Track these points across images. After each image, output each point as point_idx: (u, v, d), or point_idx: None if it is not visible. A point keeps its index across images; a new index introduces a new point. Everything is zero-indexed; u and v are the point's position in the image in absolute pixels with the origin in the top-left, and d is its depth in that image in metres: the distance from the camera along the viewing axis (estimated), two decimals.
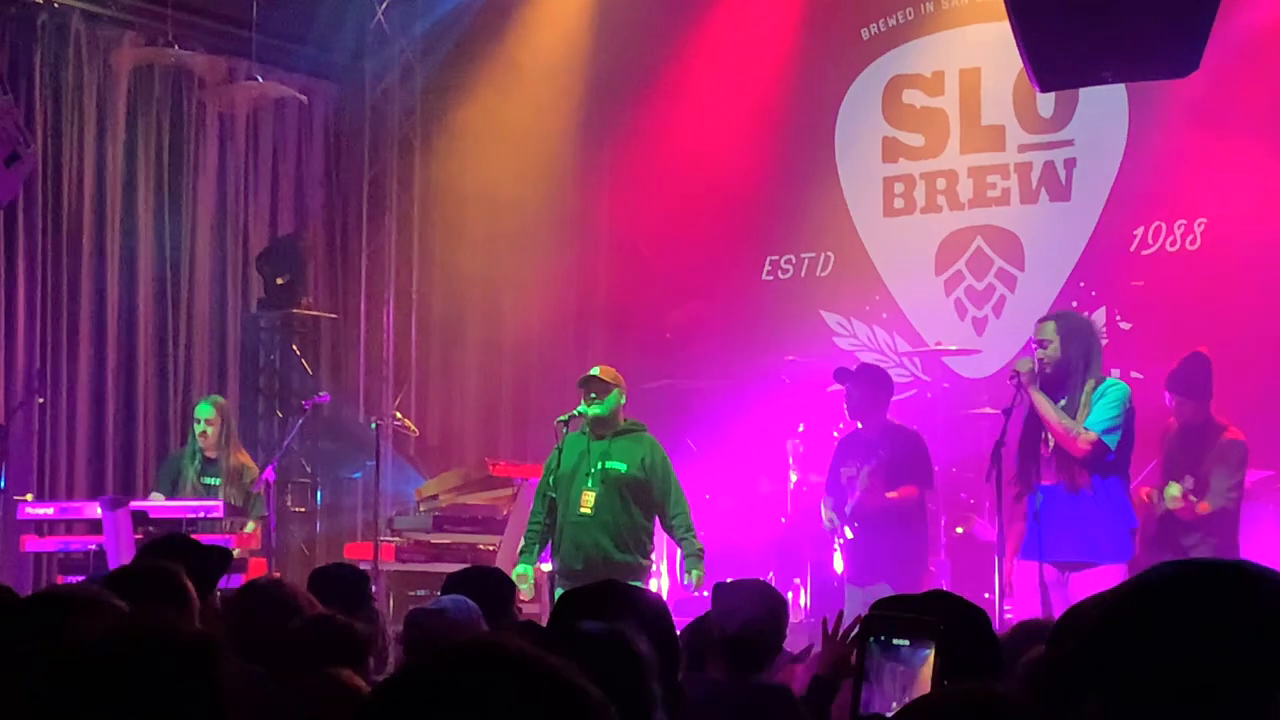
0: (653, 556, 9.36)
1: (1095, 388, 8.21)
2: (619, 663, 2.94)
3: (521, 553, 9.14)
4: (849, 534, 9.24)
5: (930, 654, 2.73)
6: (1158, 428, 9.04)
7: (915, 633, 2.77)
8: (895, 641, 2.76)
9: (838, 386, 9.45)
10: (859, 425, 9.44)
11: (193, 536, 6.40)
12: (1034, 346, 8.35)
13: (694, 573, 8.90)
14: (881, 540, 8.98)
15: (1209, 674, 1.84)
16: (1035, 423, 8.25)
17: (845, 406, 9.42)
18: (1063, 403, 8.18)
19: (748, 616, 5.12)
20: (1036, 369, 8.24)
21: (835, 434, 10.88)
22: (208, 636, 2.08)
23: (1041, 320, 8.57)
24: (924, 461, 9.20)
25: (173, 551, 4.92)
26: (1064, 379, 8.22)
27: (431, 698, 1.69)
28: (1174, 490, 8.66)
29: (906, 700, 2.66)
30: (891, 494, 8.98)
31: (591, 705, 1.72)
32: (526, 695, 1.68)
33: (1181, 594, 1.91)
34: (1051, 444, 8.20)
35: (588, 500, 8.91)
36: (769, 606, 5.31)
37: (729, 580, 6.12)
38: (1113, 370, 10.68)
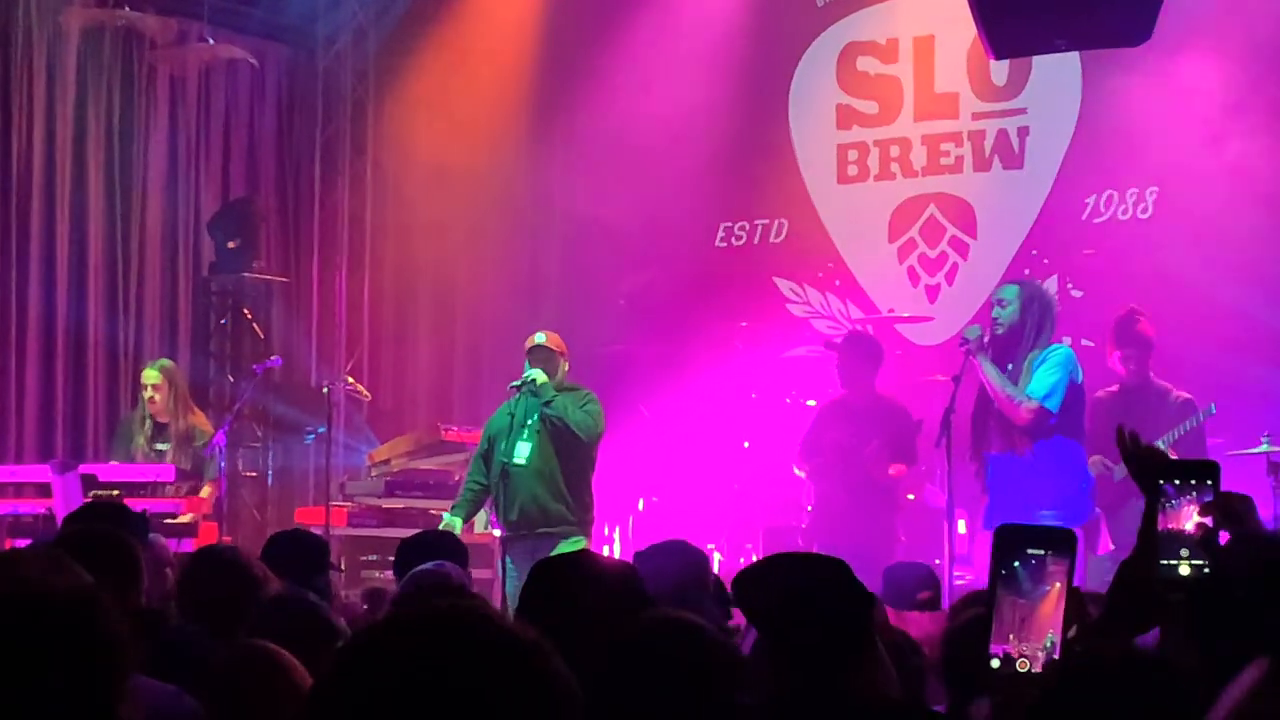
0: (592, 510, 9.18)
1: (1038, 355, 8.27)
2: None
3: (453, 506, 9.17)
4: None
5: (1054, 588, 2.51)
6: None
7: (1049, 545, 2.53)
8: (1030, 552, 2.52)
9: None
10: (845, 392, 9.58)
11: (125, 502, 6.33)
12: (992, 306, 8.42)
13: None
14: (866, 510, 9.08)
15: None
16: (985, 394, 8.31)
17: (839, 374, 9.55)
18: (1009, 369, 8.24)
19: (678, 576, 5.01)
20: (987, 332, 8.29)
21: (787, 401, 10.92)
22: (84, 589, 1.99)
23: (1006, 282, 8.65)
24: (915, 441, 9.36)
25: (95, 519, 4.88)
26: (1014, 344, 8.28)
27: (394, 664, 1.63)
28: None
29: (1026, 633, 2.50)
30: (894, 471, 9.15)
31: (558, 684, 1.67)
32: (490, 666, 1.64)
33: None
34: (995, 413, 8.27)
35: (523, 451, 8.93)
36: (694, 562, 5.16)
37: (649, 546, 5.99)
38: (1064, 338, 10.75)
